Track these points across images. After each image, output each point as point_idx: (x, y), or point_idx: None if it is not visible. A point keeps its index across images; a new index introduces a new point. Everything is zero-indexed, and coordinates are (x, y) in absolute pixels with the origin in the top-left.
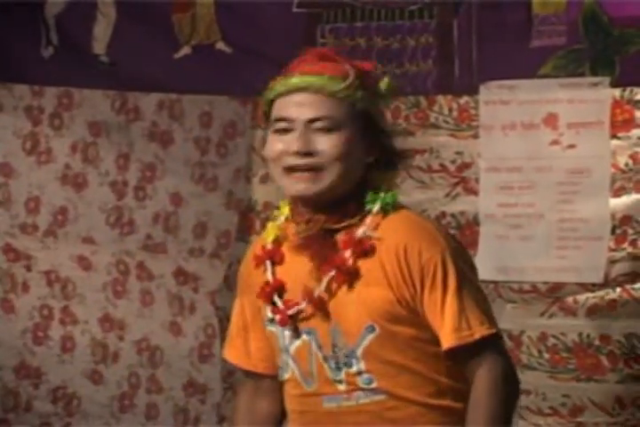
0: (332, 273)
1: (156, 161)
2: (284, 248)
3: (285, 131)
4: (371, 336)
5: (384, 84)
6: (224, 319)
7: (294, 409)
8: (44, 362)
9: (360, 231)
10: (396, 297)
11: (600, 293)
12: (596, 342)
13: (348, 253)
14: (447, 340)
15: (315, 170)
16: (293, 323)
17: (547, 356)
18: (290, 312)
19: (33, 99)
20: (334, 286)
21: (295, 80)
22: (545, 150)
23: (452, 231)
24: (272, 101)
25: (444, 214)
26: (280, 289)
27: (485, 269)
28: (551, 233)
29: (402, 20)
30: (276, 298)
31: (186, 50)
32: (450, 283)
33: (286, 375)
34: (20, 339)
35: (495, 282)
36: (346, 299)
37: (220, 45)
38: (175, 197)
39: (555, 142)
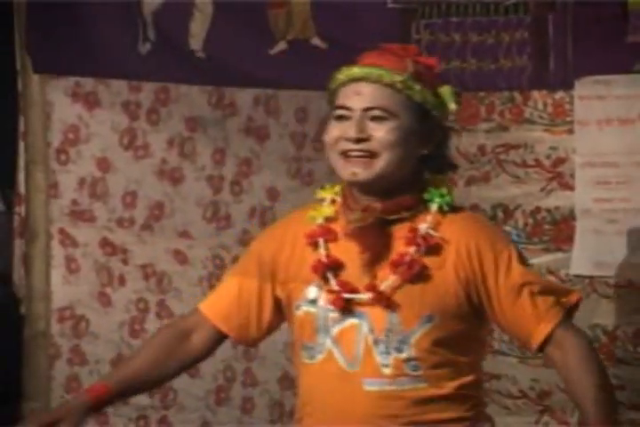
0: (401, 271)
1: (252, 156)
2: (337, 229)
3: (344, 118)
4: (428, 326)
5: (443, 90)
6: None
7: (325, 389)
8: None
9: (422, 228)
10: (466, 292)
11: None
12: None
13: (412, 250)
14: (550, 320)
15: (368, 156)
16: (344, 307)
17: None
18: (347, 296)
19: (130, 94)
20: (399, 281)
21: (356, 70)
22: None
23: (548, 227)
24: (335, 90)
25: (538, 209)
26: (336, 268)
27: (581, 265)
28: None
29: (497, 16)
30: (330, 277)
31: (281, 45)
32: (524, 268)
33: (320, 356)
34: (117, 332)
35: (591, 277)
36: (408, 291)
37: (316, 41)
38: (271, 192)
39: None
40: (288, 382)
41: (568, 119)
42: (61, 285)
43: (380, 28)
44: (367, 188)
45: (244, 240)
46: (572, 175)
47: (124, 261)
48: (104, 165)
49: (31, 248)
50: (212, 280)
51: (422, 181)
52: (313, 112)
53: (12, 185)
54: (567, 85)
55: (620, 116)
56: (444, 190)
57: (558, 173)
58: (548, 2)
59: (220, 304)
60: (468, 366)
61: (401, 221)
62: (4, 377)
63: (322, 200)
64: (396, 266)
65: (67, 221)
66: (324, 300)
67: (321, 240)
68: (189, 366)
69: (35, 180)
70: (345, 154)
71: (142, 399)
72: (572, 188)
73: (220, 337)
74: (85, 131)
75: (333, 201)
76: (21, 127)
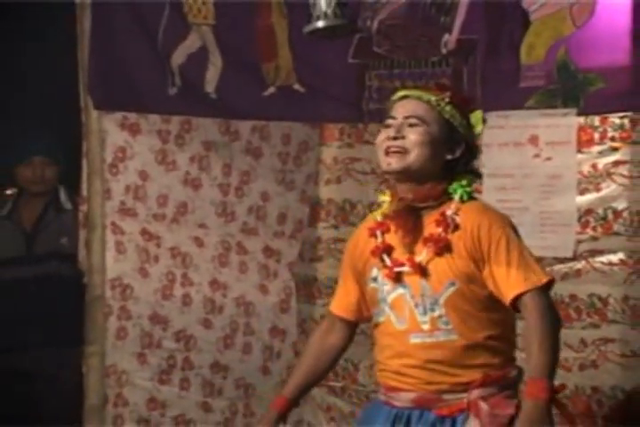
0: (431, 246)
1: (250, 169)
2: (390, 220)
3: (389, 126)
4: (451, 289)
5: (474, 115)
6: (299, 282)
7: (386, 344)
8: (170, 313)
9: (448, 213)
10: (474, 262)
11: (570, 264)
12: (567, 300)
13: (440, 230)
14: (519, 287)
15: (401, 151)
16: (395, 278)
17: None
18: (396, 270)
19: (162, 124)
20: (431, 254)
21: (405, 91)
22: (529, 162)
23: None
24: (390, 107)
25: None
26: (388, 250)
27: None
28: (535, 221)
29: (426, 68)
30: (385, 257)
31: (271, 89)
32: (513, 248)
33: (381, 319)
34: (153, 296)
35: None
36: (436, 262)
37: (297, 86)
38: (264, 195)
39: (536, 156)
40: (276, 332)
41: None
42: (113, 262)
43: (343, 76)
44: (400, 177)
45: (245, 230)
46: (481, 183)
47: (158, 245)
48: (144, 175)
49: (91, 236)
50: (221, 258)
51: (448, 180)
52: (294, 138)
53: (77, 190)
54: None
55: (514, 140)
56: (465, 182)
57: None
58: (463, 59)
59: (339, 302)
60: (493, 322)
61: (430, 208)
62: (72, 329)
63: (383, 201)
64: (427, 242)
65: (117, 216)
66: (381, 276)
67: (378, 231)
68: (340, 356)
69: (94, 186)
70: (386, 151)
71: (171, 344)
72: (480, 192)
73: (351, 325)
74: (130, 151)
75: (392, 197)
76: (84, 148)
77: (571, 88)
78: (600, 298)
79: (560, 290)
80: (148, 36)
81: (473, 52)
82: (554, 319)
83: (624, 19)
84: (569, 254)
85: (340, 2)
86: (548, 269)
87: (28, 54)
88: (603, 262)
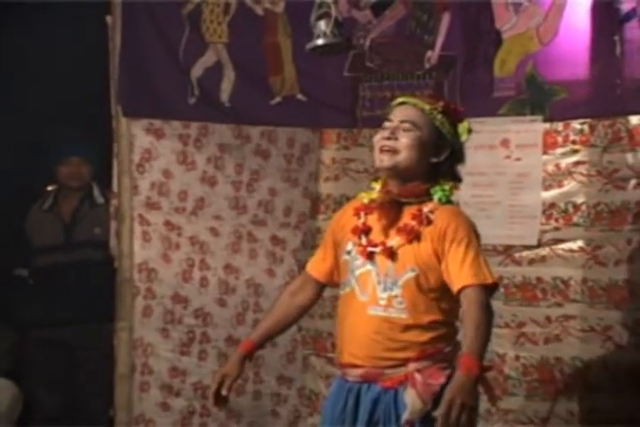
0: (403, 235)
1: (260, 168)
2: (374, 207)
3: (386, 127)
4: (411, 274)
5: (462, 125)
6: (301, 267)
7: (346, 312)
8: (190, 293)
9: (425, 210)
10: (435, 255)
11: (535, 251)
12: (534, 282)
13: (415, 223)
14: (468, 279)
15: (393, 151)
16: (367, 256)
17: (502, 290)
18: (370, 249)
19: (183, 129)
20: (402, 241)
21: (403, 98)
22: (501, 162)
23: None
24: (389, 111)
25: None
26: (367, 231)
27: None
28: (505, 214)
29: (412, 80)
30: (362, 236)
31: (278, 99)
32: (471, 249)
33: (347, 289)
34: (175, 279)
35: None
36: (405, 249)
37: (300, 96)
38: (271, 191)
39: (507, 157)
40: None
41: None
42: (140, 249)
43: (340, 88)
44: (390, 173)
45: (255, 221)
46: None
47: (179, 235)
48: (167, 174)
49: (121, 226)
50: (234, 246)
51: (432, 181)
52: (298, 141)
53: (109, 187)
54: None
55: (488, 143)
56: (446, 187)
57: None
58: (444, 72)
59: (316, 265)
60: (440, 309)
61: (411, 204)
62: (104, 307)
63: (374, 187)
64: (400, 231)
65: (143, 209)
66: (354, 251)
67: (362, 213)
68: (304, 313)
69: (123, 183)
70: (380, 149)
71: (190, 321)
72: (458, 188)
73: (321, 286)
74: (155, 153)
75: (381, 188)
76: (115, 150)
77: (537, 98)
78: (562, 280)
79: (528, 273)
80: (171, 53)
81: (452, 67)
82: (490, 313)
83: (584, 38)
84: (534, 242)
85: (338, 22)
86: (517, 254)
87: (65, 70)
88: (564, 249)
